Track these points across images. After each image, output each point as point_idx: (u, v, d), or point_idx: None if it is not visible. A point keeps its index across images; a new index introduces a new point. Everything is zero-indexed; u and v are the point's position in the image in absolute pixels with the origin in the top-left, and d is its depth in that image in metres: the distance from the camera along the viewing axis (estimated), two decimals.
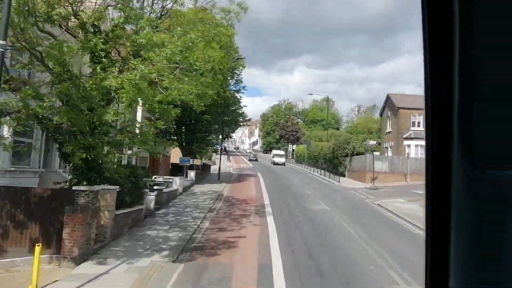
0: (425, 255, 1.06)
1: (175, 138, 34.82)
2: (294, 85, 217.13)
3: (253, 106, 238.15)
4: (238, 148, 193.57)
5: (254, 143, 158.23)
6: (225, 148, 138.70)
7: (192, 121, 34.83)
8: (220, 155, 47.13)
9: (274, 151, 72.85)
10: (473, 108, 0.95)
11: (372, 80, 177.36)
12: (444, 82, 1.00)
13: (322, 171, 47.11)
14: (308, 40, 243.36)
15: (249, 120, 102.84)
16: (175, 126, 33.31)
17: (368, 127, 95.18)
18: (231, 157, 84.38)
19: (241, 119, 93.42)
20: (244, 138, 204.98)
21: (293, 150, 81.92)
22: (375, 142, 46.32)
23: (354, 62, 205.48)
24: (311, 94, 64.31)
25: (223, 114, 36.70)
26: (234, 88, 43.68)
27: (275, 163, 64.32)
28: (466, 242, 0.95)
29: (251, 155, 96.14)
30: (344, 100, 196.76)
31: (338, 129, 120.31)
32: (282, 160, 66.08)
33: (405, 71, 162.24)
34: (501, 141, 0.93)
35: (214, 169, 52.05)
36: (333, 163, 45.93)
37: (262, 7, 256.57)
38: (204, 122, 34.70)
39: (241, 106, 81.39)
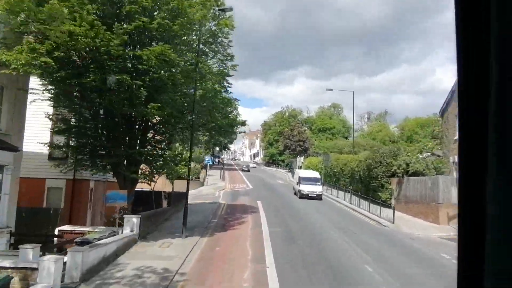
0: (457, 255, 1.03)
1: (101, 153, 18.63)
2: (294, 95, 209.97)
3: (252, 117, 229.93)
4: (234, 159, 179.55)
5: (255, 155, 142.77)
6: (221, 161, 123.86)
7: (138, 121, 19.24)
8: (206, 170, 31.76)
9: (301, 172, 38.90)
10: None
11: (371, 91, 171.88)
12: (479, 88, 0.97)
13: (350, 195, 31.75)
14: (306, 51, 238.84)
15: (244, 123, 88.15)
16: (100, 130, 17.82)
17: (390, 134, 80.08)
18: (226, 173, 69.10)
19: (237, 126, 77.93)
20: (244, 150, 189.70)
21: (301, 164, 66.72)
22: (429, 154, 31.04)
23: (352, 72, 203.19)
24: (330, 90, 48.22)
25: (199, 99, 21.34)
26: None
27: (304, 195, 33.62)
28: (501, 242, 0.92)
29: (244, 166, 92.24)
30: (344, 110, 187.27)
31: (347, 138, 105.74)
32: (318, 189, 34.55)
33: (403, 81, 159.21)
34: None
35: (197, 195, 36.69)
36: (368, 186, 30.73)
37: (259, 18, 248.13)
38: (163, 121, 19.52)
39: (236, 108, 67.26)
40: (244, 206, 28.76)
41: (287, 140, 78.32)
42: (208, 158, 46.22)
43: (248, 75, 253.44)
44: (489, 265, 0.93)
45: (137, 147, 18.70)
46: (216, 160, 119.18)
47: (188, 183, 19.76)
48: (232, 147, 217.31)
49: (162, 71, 16.67)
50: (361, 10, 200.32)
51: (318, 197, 33.97)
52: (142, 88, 15.82)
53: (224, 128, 34.81)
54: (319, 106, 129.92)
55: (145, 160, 19.21)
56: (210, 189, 42.19)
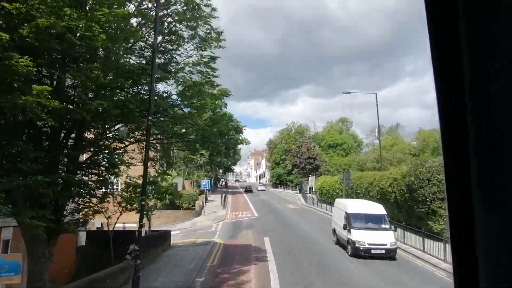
0: (452, 254, 1.02)
1: None
2: (297, 114, 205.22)
3: (258, 137, 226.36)
4: (238, 180, 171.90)
5: (261, 176, 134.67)
6: (225, 183, 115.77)
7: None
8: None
9: (350, 205, 21.51)
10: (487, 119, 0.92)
11: (375, 105, 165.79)
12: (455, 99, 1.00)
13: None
14: (309, 70, 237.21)
15: (247, 141, 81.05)
16: None
17: (409, 147, 72.13)
18: (229, 198, 61.15)
19: (239, 142, 71.45)
20: (250, 171, 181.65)
21: (312, 184, 58.75)
22: None
23: (357, 88, 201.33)
24: (348, 92, 40.44)
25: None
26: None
27: (363, 252, 18.50)
28: (494, 241, 0.92)
29: (247, 187, 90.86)
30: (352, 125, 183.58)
31: (358, 154, 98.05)
32: (387, 238, 19.09)
33: (407, 94, 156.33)
34: None
35: (188, 230, 28.86)
36: (411, 212, 22.89)
37: (261, 40, 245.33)
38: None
39: (238, 125, 59.95)
40: (246, 248, 20.71)
41: (295, 158, 70.53)
42: (204, 183, 38.44)
43: (253, 96, 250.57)
44: (483, 265, 0.92)
45: (63, 170, 11.14)
46: (222, 182, 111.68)
47: (141, 222, 11.89)
48: (237, 168, 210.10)
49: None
50: (364, 28, 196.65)
51: (390, 255, 18.60)
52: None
53: (224, 143, 27.29)
54: (326, 121, 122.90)
55: (76, 193, 11.58)
56: (207, 220, 34.40)
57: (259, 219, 33.32)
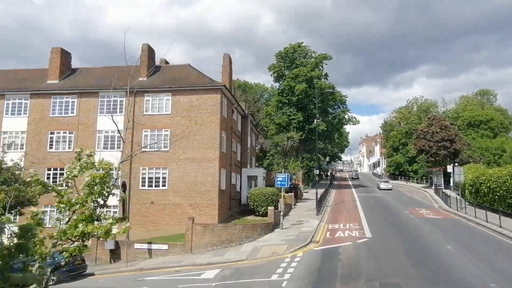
0: None
1: None
2: (413, 98, 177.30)
3: (369, 124, 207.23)
4: (342, 170, 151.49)
5: (375, 165, 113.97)
6: (331, 174, 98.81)
7: None
8: None
9: None
10: None
11: (510, 83, 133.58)
12: None
13: None
14: (425, 49, 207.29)
15: (354, 120, 62.61)
16: None
17: None
18: (332, 195, 45.33)
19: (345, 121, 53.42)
20: (362, 159, 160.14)
21: (460, 174, 39.12)
22: None
23: (484, 65, 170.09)
24: None
25: None
26: None
27: None
28: None
29: (353, 174, 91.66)
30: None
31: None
32: None
33: None
34: None
35: (234, 270, 14.81)
36: None
37: (369, 20, 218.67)
38: None
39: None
40: None
41: (422, 141, 50.94)
42: (281, 178, 23.66)
43: (363, 81, 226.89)
44: None
45: None
46: (329, 173, 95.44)
47: None
48: (347, 157, 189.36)
49: None
50: None
51: None
52: None
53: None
54: (459, 96, 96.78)
55: None
56: (281, 242, 19.76)
57: (373, 248, 17.38)
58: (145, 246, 20.58)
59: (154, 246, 20.46)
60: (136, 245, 20.67)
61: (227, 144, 30.45)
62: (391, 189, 50.56)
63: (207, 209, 27.38)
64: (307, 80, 49.70)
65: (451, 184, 47.54)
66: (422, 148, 50.65)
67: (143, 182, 28.20)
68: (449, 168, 47.16)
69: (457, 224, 23.70)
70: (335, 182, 70.99)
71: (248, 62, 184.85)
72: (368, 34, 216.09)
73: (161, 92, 28.84)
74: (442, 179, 50.72)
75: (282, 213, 23.71)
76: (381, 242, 18.50)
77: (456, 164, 47.86)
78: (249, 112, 37.88)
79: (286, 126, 51.43)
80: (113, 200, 12.84)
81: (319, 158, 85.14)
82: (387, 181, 56.33)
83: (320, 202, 32.61)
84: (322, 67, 54.17)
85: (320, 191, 41.45)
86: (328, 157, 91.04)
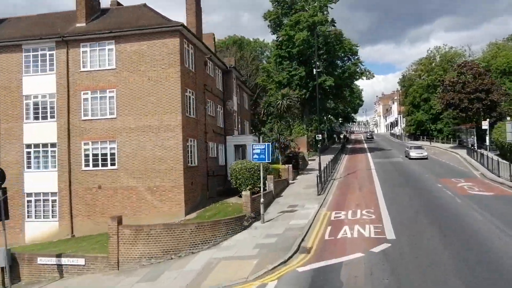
0: None
1: None
2: (436, 48, 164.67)
3: (385, 83, 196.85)
4: (353, 131, 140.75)
5: (393, 125, 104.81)
6: (345, 136, 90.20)
7: None
8: None
9: None
10: None
11: None
12: None
13: None
14: (441, 0, 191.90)
15: (368, 73, 53.35)
16: None
17: None
18: (343, 163, 37.76)
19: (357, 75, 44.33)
20: (378, 119, 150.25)
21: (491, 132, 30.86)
22: None
23: (507, 13, 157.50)
24: None
25: None
26: None
27: None
28: None
29: (368, 134, 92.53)
30: None
31: None
32: None
33: None
34: None
35: None
36: None
37: None
38: None
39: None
40: None
41: (451, 94, 42.17)
42: (259, 148, 16.05)
43: (378, 39, 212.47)
44: None
45: None
46: (342, 135, 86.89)
47: None
48: (362, 118, 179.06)
49: None
50: None
51: None
52: None
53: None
54: (487, 44, 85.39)
55: None
56: (253, 248, 12.64)
57: (400, 267, 10.01)
58: (53, 260, 13.70)
59: (65, 261, 13.56)
60: (41, 260, 13.81)
61: (197, 106, 22.88)
62: (426, 158, 36.59)
63: (170, 193, 20.30)
64: (309, 27, 40.85)
65: (487, 143, 39.24)
66: (451, 101, 41.96)
67: (87, 161, 21.12)
68: (485, 125, 38.73)
69: None
70: (349, 146, 63.01)
71: (257, 24, 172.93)
72: None
73: (102, 39, 21.12)
74: (475, 138, 42.28)
75: (262, 200, 16.28)
76: (412, 251, 11.06)
77: (490, 119, 39.26)
78: (233, 66, 29.83)
79: (288, 84, 43.29)
80: None
81: (330, 120, 76.73)
82: (419, 147, 40.33)
83: (325, 175, 25.12)
84: (327, 11, 45.00)
85: (328, 158, 33.92)
86: (340, 119, 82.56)
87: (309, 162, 37.40)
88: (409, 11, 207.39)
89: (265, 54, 64.85)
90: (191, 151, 21.76)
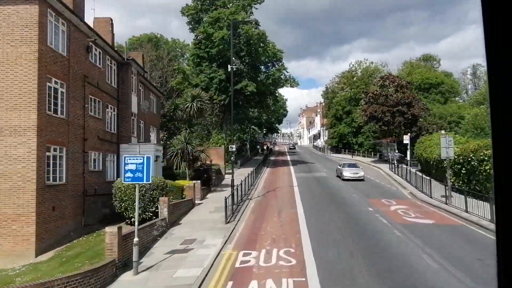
0: (496, 252, 0.93)
1: None
2: (358, 62, 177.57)
3: (308, 98, 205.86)
4: (276, 143, 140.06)
5: (316, 137, 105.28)
6: (268, 148, 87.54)
7: None
8: None
9: None
10: None
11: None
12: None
13: None
14: (360, 24, 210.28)
15: (293, 81, 50.87)
16: None
17: None
18: (263, 178, 33.67)
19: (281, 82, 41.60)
20: (302, 131, 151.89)
21: (413, 147, 29.01)
22: None
23: (413, 40, 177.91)
24: None
25: None
26: None
27: None
28: None
29: (290, 145, 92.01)
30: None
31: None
32: None
33: (473, 44, 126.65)
34: None
35: None
36: None
37: None
38: None
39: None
40: None
41: (374, 106, 40.77)
42: (133, 163, 10.92)
43: (302, 55, 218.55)
44: None
45: None
46: (266, 147, 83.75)
47: None
48: (286, 130, 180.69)
49: None
50: None
51: None
52: None
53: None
54: (401, 62, 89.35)
55: None
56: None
57: None
58: None
59: None
60: None
61: (69, 102, 16.93)
62: (363, 179, 28.82)
63: (14, 223, 14.08)
64: (230, 25, 36.62)
65: (407, 158, 38.14)
66: (374, 114, 40.50)
67: None
68: (406, 139, 37.55)
69: (476, 242, 12.73)
70: (272, 158, 59.79)
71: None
72: (307, 8, 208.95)
73: None
74: (393, 153, 41.23)
75: (136, 240, 10.97)
76: None
77: (411, 133, 38.35)
78: (131, 58, 24.14)
79: (206, 87, 38.49)
80: None
81: (254, 130, 73.27)
82: (354, 165, 32.37)
83: (240, 194, 20.55)
84: (252, 12, 41.36)
85: (248, 171, 29.64)
86: (265, 129, 79.69)
87: (226, 176, 32.75)
88: (332, 30, 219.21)
89: (185, 56, 59.48)
90: (54, 163, 15.73)
